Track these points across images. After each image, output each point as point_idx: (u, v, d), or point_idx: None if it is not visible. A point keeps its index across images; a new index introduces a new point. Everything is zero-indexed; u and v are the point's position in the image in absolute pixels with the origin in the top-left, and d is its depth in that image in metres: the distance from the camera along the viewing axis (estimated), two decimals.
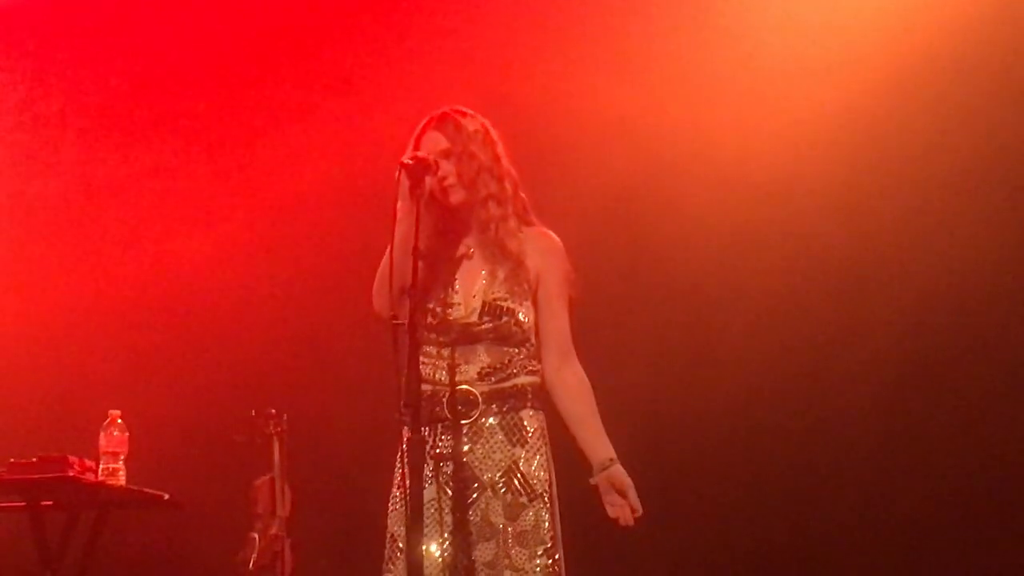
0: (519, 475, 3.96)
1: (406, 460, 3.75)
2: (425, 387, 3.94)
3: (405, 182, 3.89)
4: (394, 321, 3.80)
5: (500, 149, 4.12)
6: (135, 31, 6.83)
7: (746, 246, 5.94)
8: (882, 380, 5.74)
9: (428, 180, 3.94)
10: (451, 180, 4.03)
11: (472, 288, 4.04)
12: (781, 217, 5.91)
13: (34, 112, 6.94)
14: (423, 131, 4.06)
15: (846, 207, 5.86)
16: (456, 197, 4.05)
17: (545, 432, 4.05)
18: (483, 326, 4.00)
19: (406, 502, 3.79)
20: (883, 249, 5.84)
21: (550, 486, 4.00)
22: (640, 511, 3.99)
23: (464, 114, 4.11)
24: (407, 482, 3.77)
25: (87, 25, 6.92)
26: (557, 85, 6.18)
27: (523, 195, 4.16)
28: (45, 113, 6.93)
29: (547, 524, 3.95)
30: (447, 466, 3.97)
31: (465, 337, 4.00)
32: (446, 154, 4.02)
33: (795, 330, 5.87)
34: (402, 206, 3.92)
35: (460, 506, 3.95)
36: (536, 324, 4.07)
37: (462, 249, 4.09)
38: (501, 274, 4.04)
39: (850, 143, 5.91)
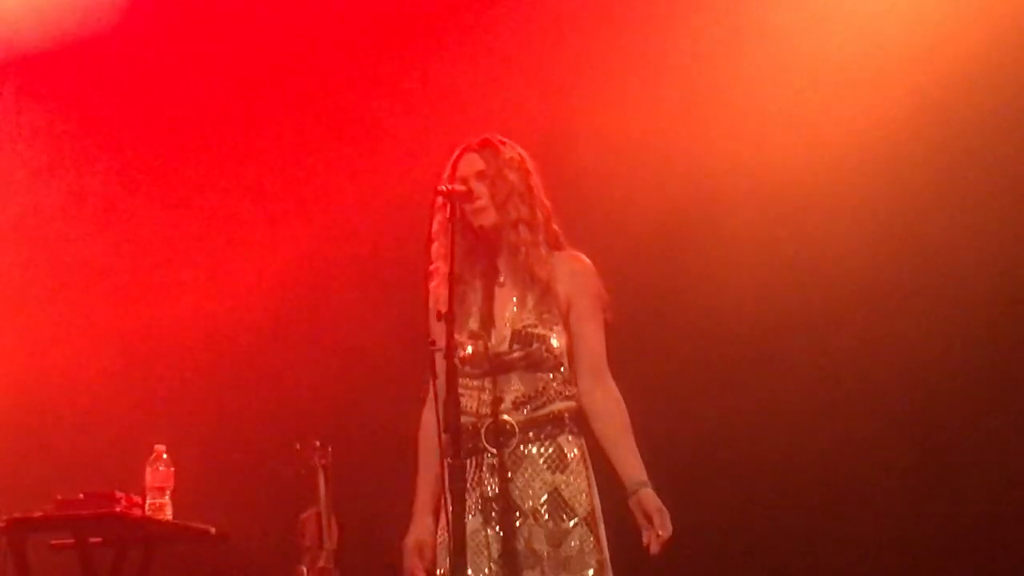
0: (561, 501, 3.95)
1: (447, 486, 3.73)
2: (466, 419, 3.92)
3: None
4: (432, 347, 3.82)
5: (535, 180, 4.15)
6: (182, 63, 6.85)
7: (783, 268, 5.91)
8: (921, 400, 5.71)
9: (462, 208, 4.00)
10: (483, 201, 4.06)
11: (503, 316, 4.05)
12: (818, 239, 5.89)
13: (77, 146, 6.96)
14: (460, 154, 4.11)
15: (885, 230, 5.84)
16: (488, 218, 4.07)
17: (586, 457, 4.03)
18: (514, 354, 3.99)
19: (448, 528, 3.76)
20: (924, 270, 5.80)
21: (593, 510, 3.99)
22: (668, 534, 3.90)
23: (503, 142, 4.15)
24: (449, 507, 3.74)
25: (132, 58, 6.93)
26: (593, 111, 6.18)
27: (556, 227, 4.17)
28: (88, 146, 6.95)
29: (592, 548, 3.94)
30: (490, 497, 3.97)
31: (498, 367, 3.99)
32: (481, 175, 4.06)
33: (835, 350, 5.84)
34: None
35: (504, 536, 3.94)
36: (569, 347, 4.06)
37: (493, 276, 4.10)
38: (531, 301, 4.05)
39: (893, 166, 5.88)
